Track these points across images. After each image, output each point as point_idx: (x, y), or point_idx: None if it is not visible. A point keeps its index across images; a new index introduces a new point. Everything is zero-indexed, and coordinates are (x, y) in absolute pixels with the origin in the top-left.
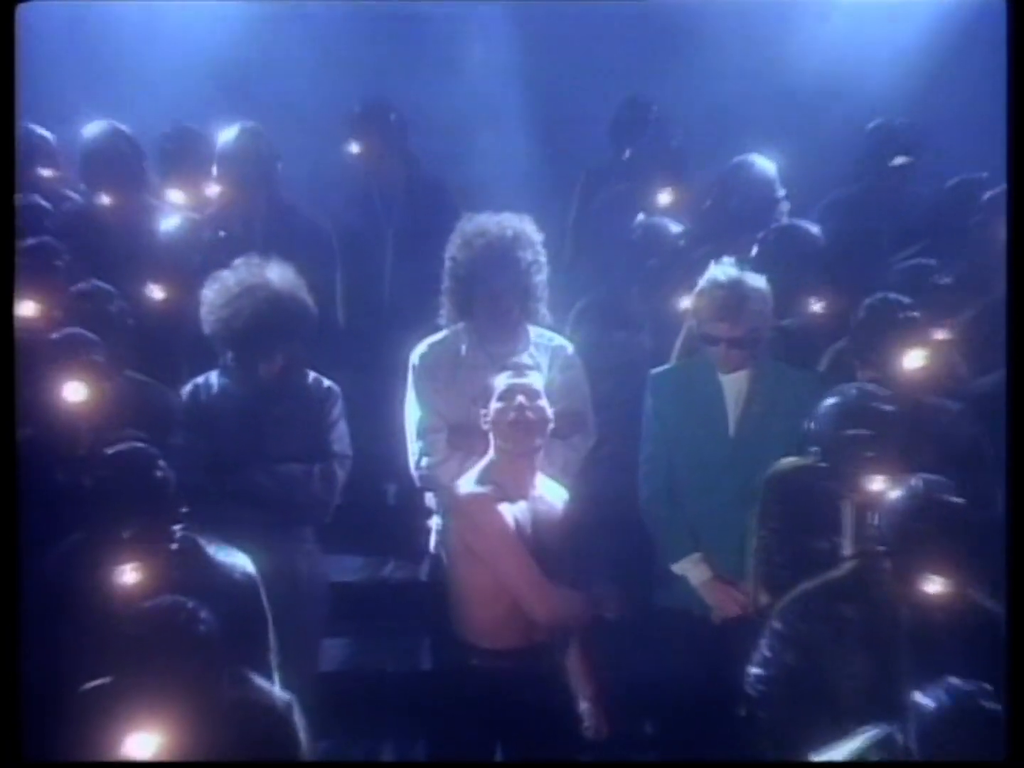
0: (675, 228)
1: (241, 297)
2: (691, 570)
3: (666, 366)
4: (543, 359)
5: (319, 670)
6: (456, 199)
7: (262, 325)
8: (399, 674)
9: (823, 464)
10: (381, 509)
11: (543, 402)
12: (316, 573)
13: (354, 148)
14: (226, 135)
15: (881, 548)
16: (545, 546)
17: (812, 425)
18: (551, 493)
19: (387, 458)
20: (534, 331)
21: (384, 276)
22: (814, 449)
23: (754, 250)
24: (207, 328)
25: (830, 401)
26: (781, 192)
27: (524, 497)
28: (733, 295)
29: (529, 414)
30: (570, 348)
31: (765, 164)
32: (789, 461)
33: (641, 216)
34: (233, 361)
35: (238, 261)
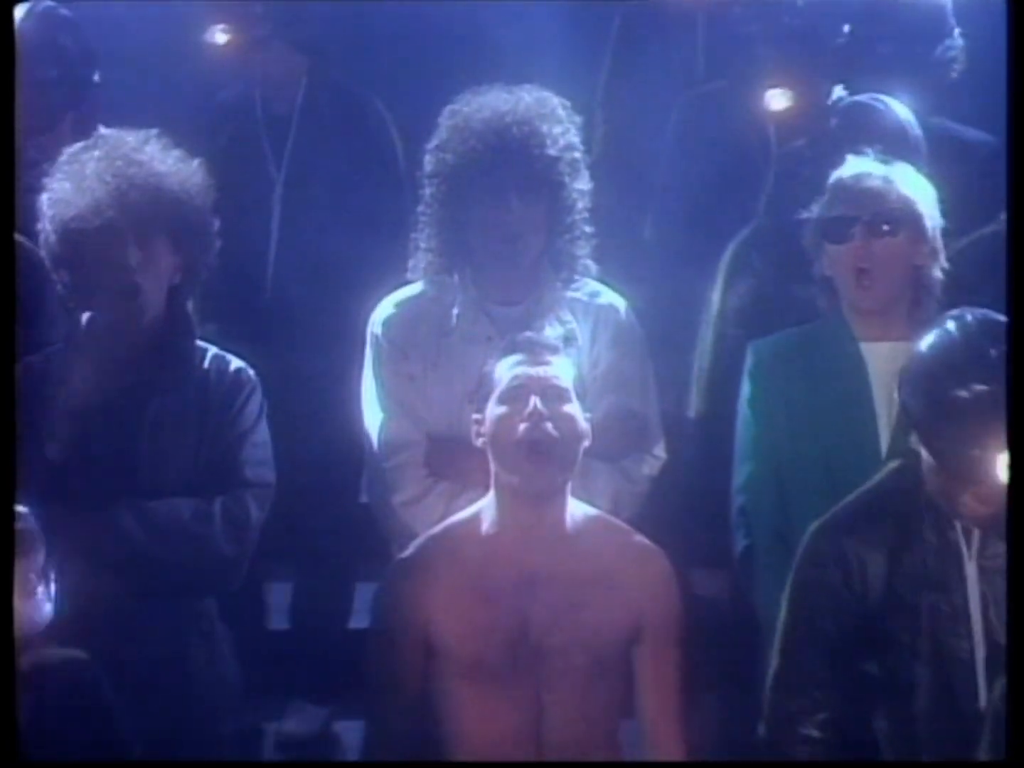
0: None
1: (103, 182)
2: None
3: (774, 335)
4: (582, 326)
5: None
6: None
7: (128, 226)
8: None
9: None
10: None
11: (572, 407)
12: (217, 670)
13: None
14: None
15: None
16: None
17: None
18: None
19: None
20: (566, 280)
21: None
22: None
23: None
24: (43, 247)
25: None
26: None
27: (540, 570)
28: (887, 190)
29: (548, 428)
30: (623, 308)
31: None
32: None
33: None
34: (75, 298)
35: (106, 131)
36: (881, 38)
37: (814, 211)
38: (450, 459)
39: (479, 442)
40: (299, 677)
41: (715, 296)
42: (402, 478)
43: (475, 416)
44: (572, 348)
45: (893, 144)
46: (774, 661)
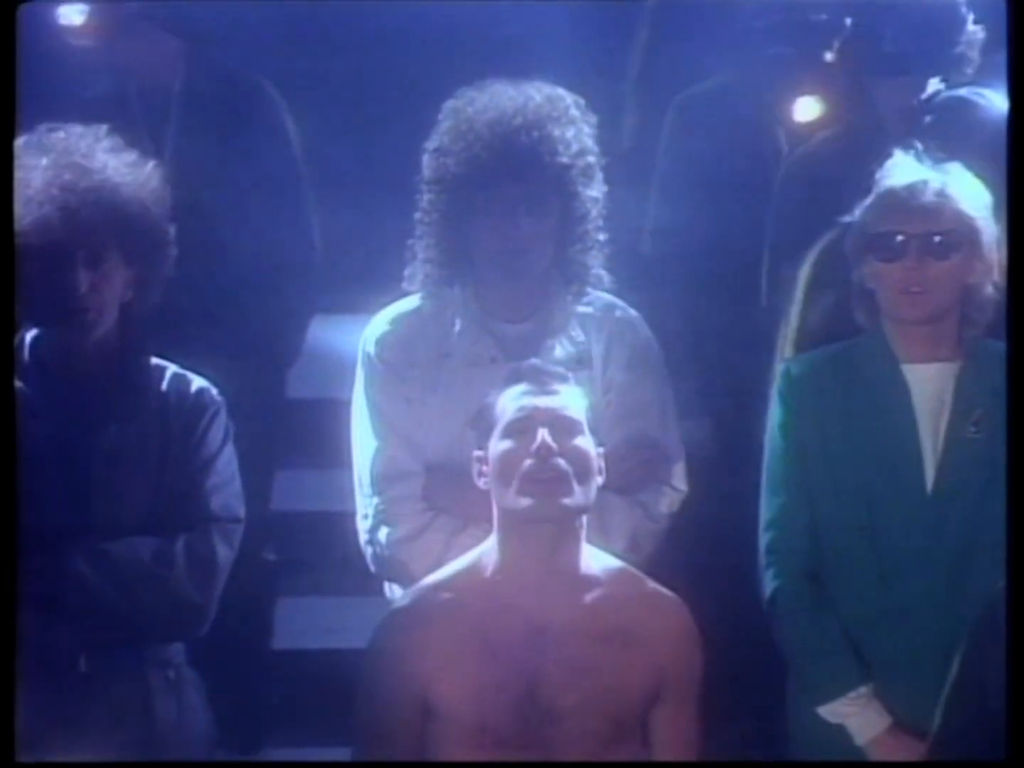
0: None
1: (51, 197)
2: (855, 715)
3: (809, 353)
4: (594, 345)
5: None
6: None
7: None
8: None
9: None
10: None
11: (584, 441)
12: (185, 721)
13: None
14: None
15: None
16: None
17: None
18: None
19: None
20: (577, 294)
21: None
22: None
23: None
24: None
25: None
26: None
27: (551, 623)
28: (942, 208)
29: (559, 463)
30: (639, 324)
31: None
32: None
33: None
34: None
35: (54, 133)
36: (885, 35)
37: (857, 215)
38: (451, 491)
39: (481, 482)
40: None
41: (794, 311)
42: (398, 512)
43: (476, 453)
44: (584, 371)
45: (989, 141)
46: None
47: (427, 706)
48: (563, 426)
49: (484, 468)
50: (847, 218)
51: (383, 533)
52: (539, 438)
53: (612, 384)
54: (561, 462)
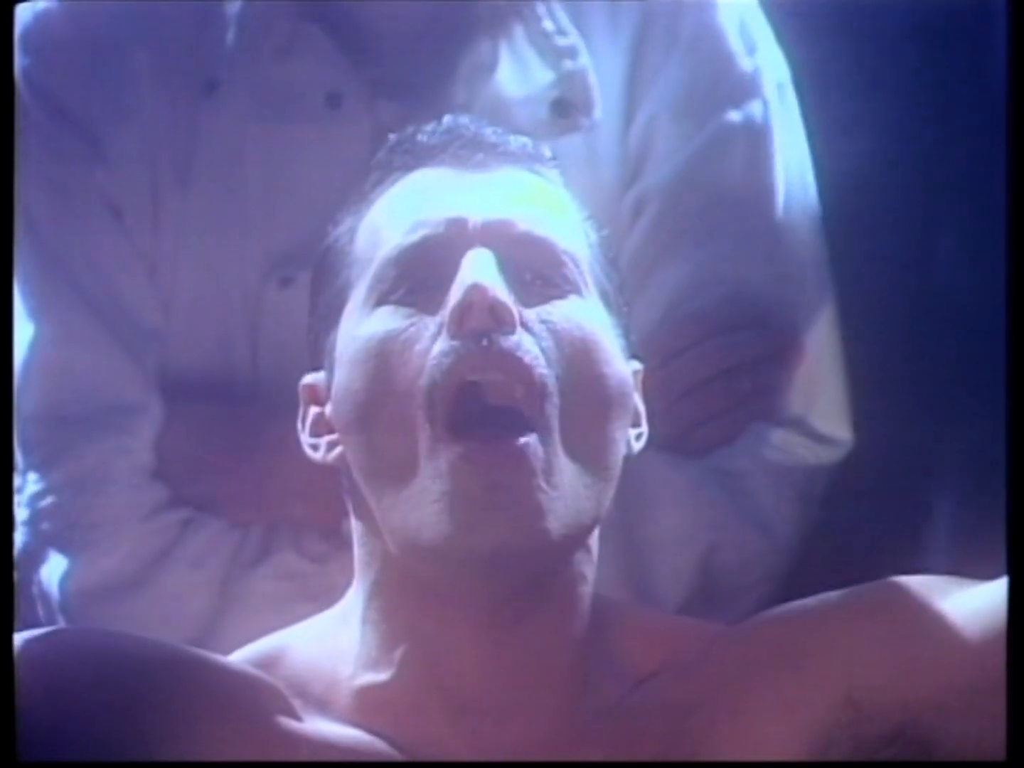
0: None
1: None
2: None
3: None
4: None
5: None
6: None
7: None
8: None
9: None
10: None
11: (580, 310)
12: None
13: None
14: None
15: None
16: None
17: None
18: None
19: None
20: None
21: None
22: None
23: None
24: None
25: None
26: None
27: None
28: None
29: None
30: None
31: None
32: None
33: None
34: None
35: None
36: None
37: None
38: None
39: (323, 446)
40: None
41: None
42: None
43: (307, 380)
44: (580, 118)
45: None
46: None
47: None
48: (524, 262)
49: (325, 411)
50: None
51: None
52: (465, 295)
53: (650, 149)
54: (518, 352)
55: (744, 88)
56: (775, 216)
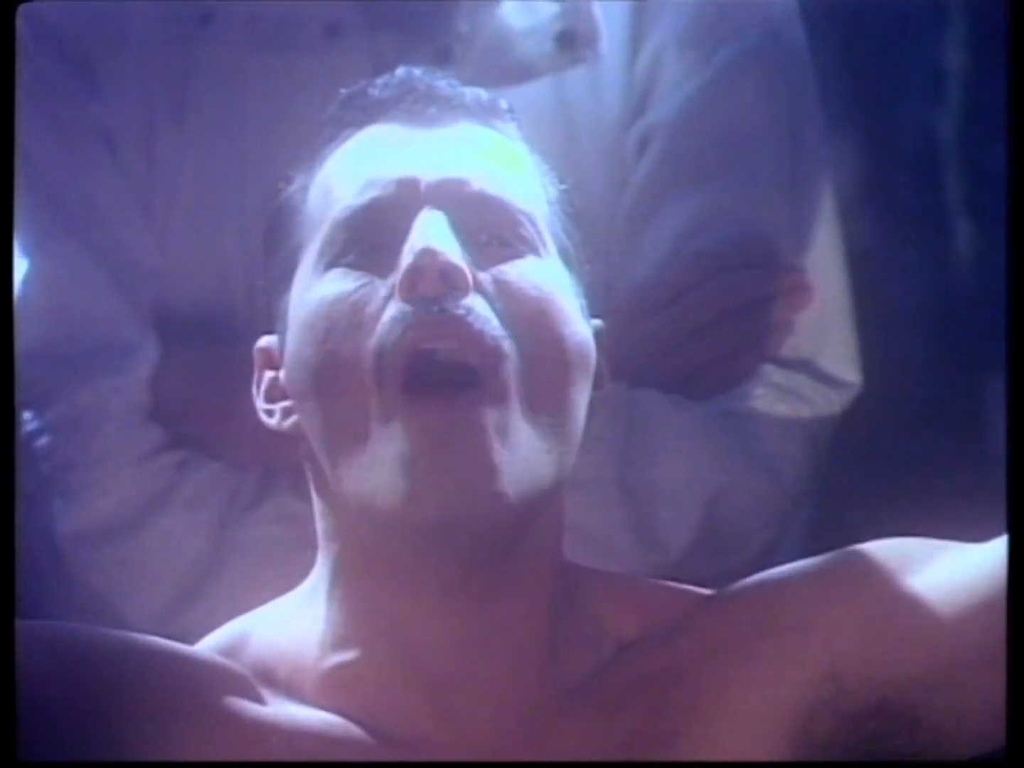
0: None
1: None
2: None
3: None
4: None
5: None
6: None
7: None
8: None
9: None
10: None
11: (539, 270)
12: None
13: None
14: None
15: None
16: None
17: None
18: None
19: None
20: None
21: None
22: None
23: None
24: None
25: None
26: None
27: None
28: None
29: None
30: None
31: None
32: None
33: None
34: None
35: None
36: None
37: None
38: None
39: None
40: None
41: None
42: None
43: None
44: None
45: None
46: None
47: None
48: (478, 223)
49: (280, 376)
50: None
51: None
52: (416, 259)
53: (656, 82)
54: (469, 317)
55: (752, 20)
56: (785, 152)
